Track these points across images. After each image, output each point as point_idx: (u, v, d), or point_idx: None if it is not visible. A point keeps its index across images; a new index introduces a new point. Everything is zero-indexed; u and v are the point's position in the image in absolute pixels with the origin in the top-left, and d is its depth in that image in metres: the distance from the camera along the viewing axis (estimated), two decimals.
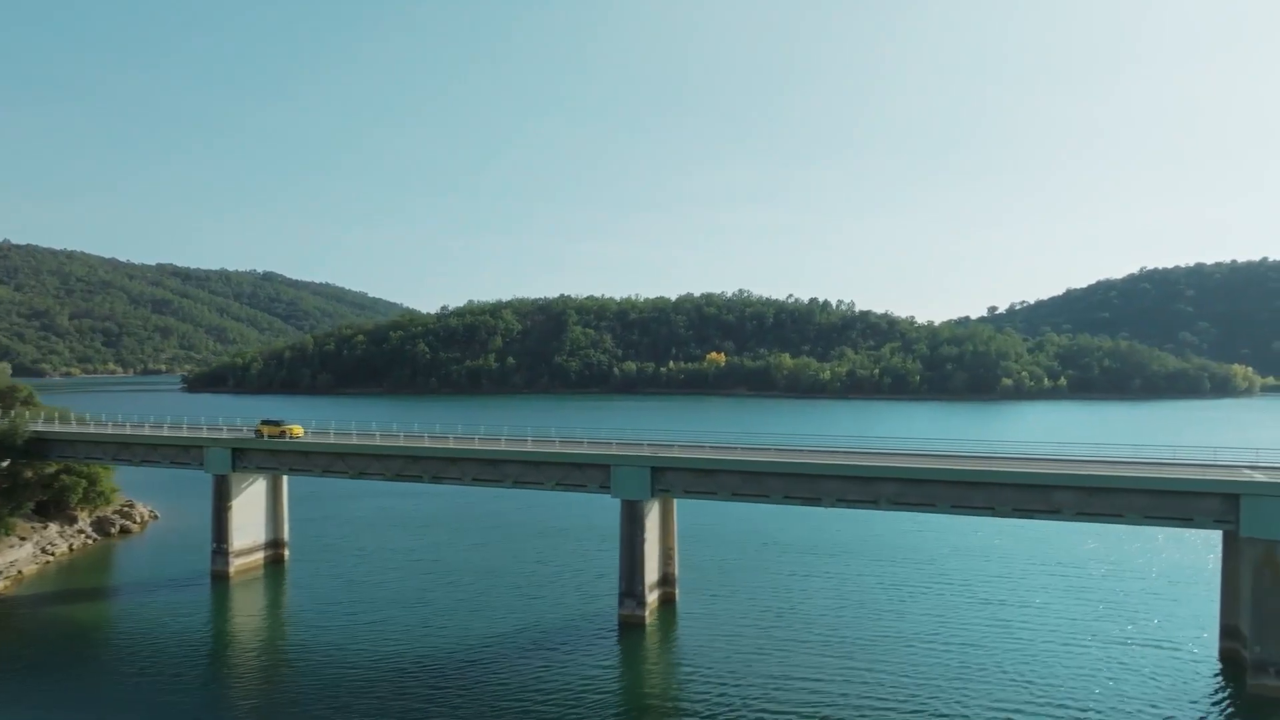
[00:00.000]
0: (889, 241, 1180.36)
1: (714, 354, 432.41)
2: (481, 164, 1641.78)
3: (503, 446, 64.45)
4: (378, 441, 68.26)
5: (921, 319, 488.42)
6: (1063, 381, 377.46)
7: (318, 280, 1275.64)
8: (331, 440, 69.50)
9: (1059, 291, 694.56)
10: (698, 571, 71.63)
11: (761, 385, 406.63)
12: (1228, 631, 52.97)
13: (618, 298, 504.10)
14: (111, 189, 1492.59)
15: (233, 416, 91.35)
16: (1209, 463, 56.24)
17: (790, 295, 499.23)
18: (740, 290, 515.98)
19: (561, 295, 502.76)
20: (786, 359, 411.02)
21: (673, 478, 59.83)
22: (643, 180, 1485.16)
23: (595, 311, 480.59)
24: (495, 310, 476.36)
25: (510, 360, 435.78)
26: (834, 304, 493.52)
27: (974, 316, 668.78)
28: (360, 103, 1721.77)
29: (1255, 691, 46.60)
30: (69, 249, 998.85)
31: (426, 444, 66.12)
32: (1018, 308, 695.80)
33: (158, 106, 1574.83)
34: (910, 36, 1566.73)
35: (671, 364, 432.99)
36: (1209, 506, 49.51)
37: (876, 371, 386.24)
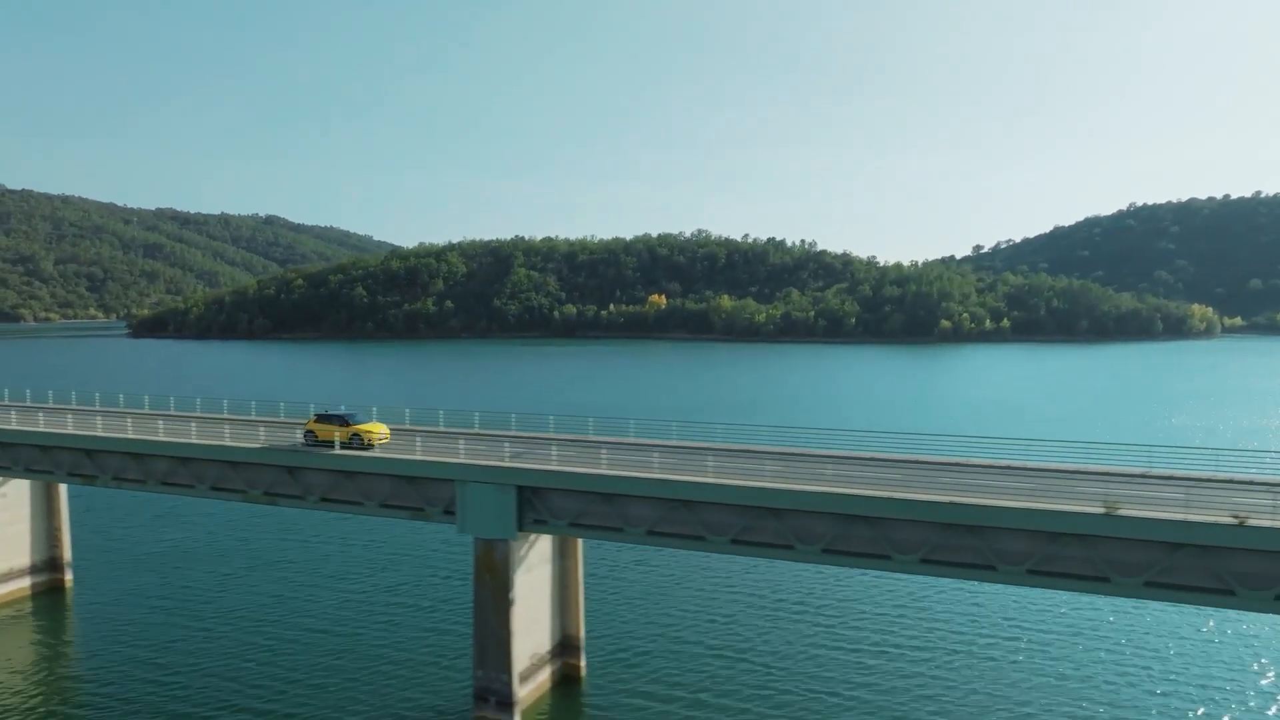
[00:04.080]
0: (891, 183, 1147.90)
1: (655, 296, 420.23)
2: (494, 105, 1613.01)
3: None
4: None
5: (907, 260, 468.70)
6: (1005, 323, 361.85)
7: (322, 224, 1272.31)
8: None
9: (1047, 230, 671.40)
10: (144, 562, 63.36)
11: (701, 328, 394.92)
12: None
13: (571, 238, 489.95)
14: (114, 133, 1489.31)
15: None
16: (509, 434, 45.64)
17: (746, 235, 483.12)
18: (699, 230, 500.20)
19: (515, 237, 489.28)
20: (726, 301, 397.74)
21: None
22: (660, 120, 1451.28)
23: (544, 253, 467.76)
24: (441, 253, 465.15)
25: (449, 304, 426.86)
26: (791, 244, 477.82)
27: (959, 256, 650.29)
28: (369, 43, 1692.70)
29: None
30: (67, 194, 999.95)
31: None
32: (1003, 246, 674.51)
33: (164, 47, 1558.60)
34: None
35: (612, 307, 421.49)
36: (441, 494, 39.72)
37: (812, 314, 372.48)
